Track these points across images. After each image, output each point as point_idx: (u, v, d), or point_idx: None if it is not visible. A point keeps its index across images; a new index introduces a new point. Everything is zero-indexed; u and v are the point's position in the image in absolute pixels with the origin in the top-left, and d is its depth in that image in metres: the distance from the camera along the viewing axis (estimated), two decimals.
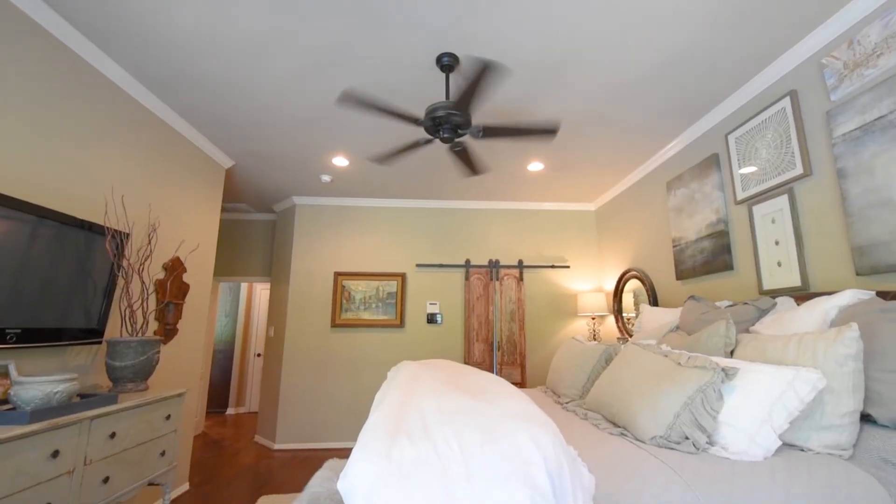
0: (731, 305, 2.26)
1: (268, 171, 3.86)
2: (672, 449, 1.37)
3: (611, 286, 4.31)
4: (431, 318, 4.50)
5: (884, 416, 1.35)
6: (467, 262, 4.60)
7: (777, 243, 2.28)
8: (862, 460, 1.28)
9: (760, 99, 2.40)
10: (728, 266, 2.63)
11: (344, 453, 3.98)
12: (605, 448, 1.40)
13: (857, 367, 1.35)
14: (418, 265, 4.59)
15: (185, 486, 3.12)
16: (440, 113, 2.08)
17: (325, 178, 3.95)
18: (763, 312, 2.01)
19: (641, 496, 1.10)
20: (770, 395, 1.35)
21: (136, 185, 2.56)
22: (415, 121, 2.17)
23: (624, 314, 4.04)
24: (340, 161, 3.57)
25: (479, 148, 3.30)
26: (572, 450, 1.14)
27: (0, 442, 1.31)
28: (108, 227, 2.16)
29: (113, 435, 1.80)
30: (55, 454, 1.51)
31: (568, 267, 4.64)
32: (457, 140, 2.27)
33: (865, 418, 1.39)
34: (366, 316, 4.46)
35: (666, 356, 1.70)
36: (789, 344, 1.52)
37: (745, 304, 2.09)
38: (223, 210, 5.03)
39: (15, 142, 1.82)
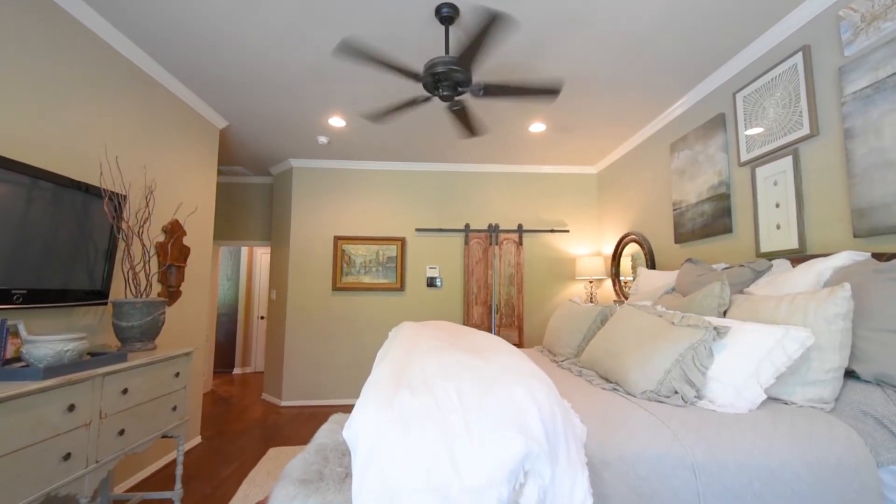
0: (727, 268, 2.28)
1: (263, 133, 3.77)
2: (661, 402, 1.43)
3: (609, 250, 4.33)
4: (431, 282, 4.56)
5: (867, 372, 1.40)
6: (467, 226, 4.60)
7: (777, 206, 2.27)
8: (843, 413, 1.34)
9: (772, 54, 2.31)
10: (727, 229, 2.63)
11: (347, 409, 4.15)
12: (597, 401, 1.46)
13: (845, 325, 1.39)
14: (418, 230, 4.58)
15: (198, 439, 3.28)
16: (440, 69, 2.00)
17: (322, 139, 3.87)
18: (758, 274, 2.03)
19: (630, 444, 1.16)
20: (759, 351, 1.40)
21: (130, 146, 2.51)
22: (414, 76, 2.10)
23: (621, 278, 4.09)
24: (337, 122, 3.48)
25: (478, 108, 3.21)
26: (566, 402, 1.19)
27: (18, 396, 1.37)
28: (104, 189, 2.14)
29: (125, 391, 1.87)
30: (71, 408, 1.58)
31: (567, 231, 4.64)
32: (456, 98, 2.21)
33: (849, 374, 1.45)
34: (366, 280, 4.51)
35: (660, 316, 1.74)
36: (781, 304, 1.55)
37: (742, 266, 2.11)
38: (220, 173, 4.96)
39: (3, 101, 1.76)
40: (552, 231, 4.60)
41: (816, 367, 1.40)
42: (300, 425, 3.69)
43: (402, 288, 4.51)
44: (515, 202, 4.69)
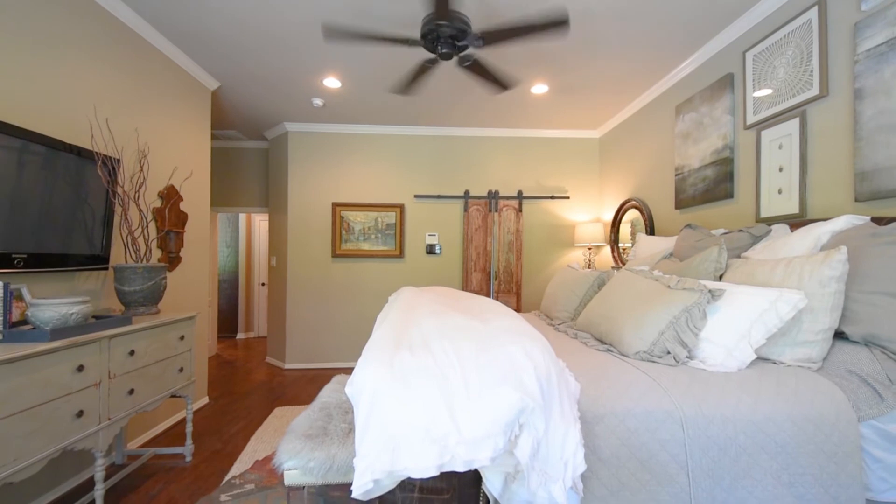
0: (726, 233, 2.29)
1: (256, 94, 3.66)
2: (653, 362, 1.48)
3: (609, 217, 4.31)
4: (430, 249, 4.57)
5: (856, 333, 1.43)
6: (466, 193, 4.55)
7: (781, 170, 2.24)
8: (829, 371, 1.39)
9: (786, 10, 2.20)
10: (728, 194, 2.61)
11: (349, 371, 4.27)
12: (591, 361, 1.50)
13: (839, 288, 1.40)
14: (417, 196, 4.54)
15: (206, 400, 3.40)
16: (426, 28, 1.91)
17: (317, 101, 3.76)
18: (757, 239, 2.04)
19: (621, 400, 1.21)
20: (752, 313, 1.42)
21: (120, 109, 2.44)
22: (406, 41, 2.01)
23: (620, 244, 4.10)
24: (332, 83, 3.37)
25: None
26: (561, 362, 1.23)
27: (27, 357, 1.40)
28: (97, 153, 2.10)
29: (132, 352, 1.92)
30: (80, 368, 1.62)
31: (567, 198, 4.61)
32: (462, 55, 2.11)
33: (838, 335, 1.48)
34: (365, 247, 4.52)
35: (656, 280, 1.76)
36: (777, 267, 1.57)
37: (741, 231, 2.11)
38: (214, 138, 4.85)
39: None
40: (552, 198, 4.57)
41: (807, 328, 1.43)
42: (304, 386, 3.81)
43: (401, 255, 4.53)
44: (516, 168, 4.62)
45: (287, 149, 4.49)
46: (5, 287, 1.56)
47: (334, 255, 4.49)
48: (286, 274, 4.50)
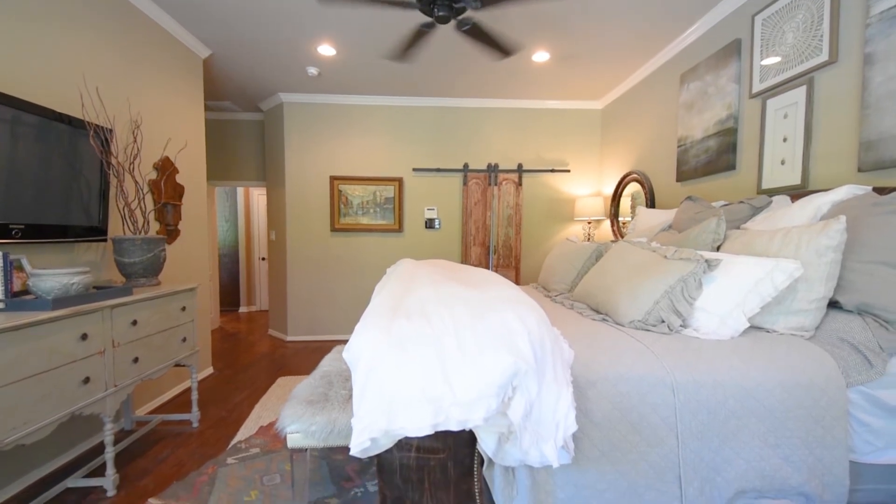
0: (726, 205, 2.27)
1: (249, 63, 3.55)
2: (647, 331, 1.50)
3: (610, 190, 4.28)
4: (429, 224, 4.56)
5: (850, 302, 1.44)
6: (465, 166, 4.50)
7: (785, 140, 2.20)
8: (821, 339, 1.40)
9: None
10: (730, 165, 2.58)
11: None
12: (586, 330, 1.52)
13: (835, 257, 1.40)
14: (415, 169, 4.49)
15: (210, 370, 3.48)
16: None
17: (312, 70, 3.66)
18: (757, 210, 2.02)
19: (614, 365, 1.23)
20: (747, 282, 1.43)
21: (110, 77, 2.38)
22: (401, 4, 1.93)
23: (620, 218, 4.08)
24: (327, 50, 3.27)
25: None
26: (556, 329, 1.24)
27: (30, 325, 1.42)
28: (88, 122, 2.06)
29: (135, 322, 1.95)
30: (84, 337, 1.65)
31: (568, 171, 4.55)
32: (460, 18, 2.04)
33: (832, 304, 1.49)
34: (364, 221, 4.51)
35: (654, 251, 1.76)
36: (775, 237, 1.56)
37: (741, 202, 2.10)
38: (208, 109, 4.75)
39: None
40: (553, 171, 4.51)
41: (802, 297, 1.44)
42: (306, 357, 3.89)
43: (400, 229, 4.52)
44: (516, 140, 4.55)
45: (283, 120, 4.41)
46: (5, 257, 1.57)
47: (333, 230, 4.48)
48: (286, 248, 4.51)
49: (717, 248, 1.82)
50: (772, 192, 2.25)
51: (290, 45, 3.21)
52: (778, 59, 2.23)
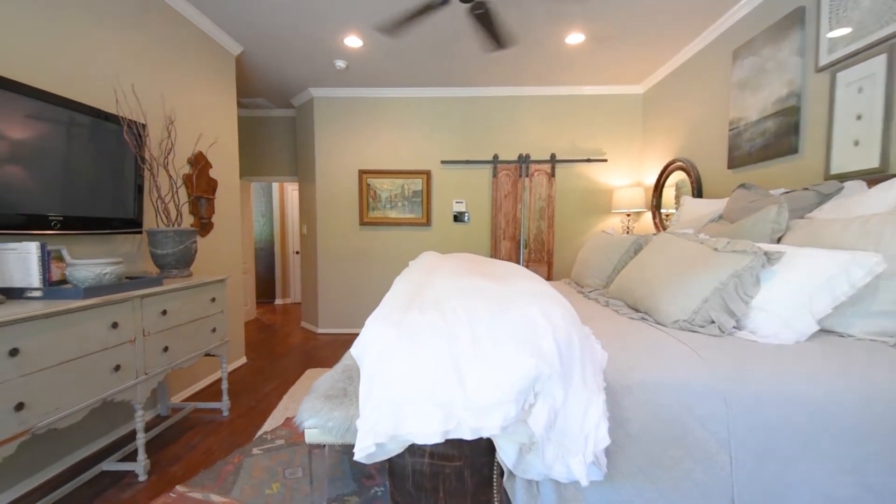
0: (787, 192, 2.02)
1: (279, 58, 3.58)
2: (694, 332, 1.33)
3: (651, 180, 4.00)
4: (458, 217, 4.46)
5: None
6: (495, 157, 4.35)
7: (859, 118, 1.92)
8: None
9: None
10: (792, 149, 2.30)
11: None
12: (622, 330, 1.38)
13: None
14: (444, 162, 4.40)
15: (243, 360, 3.57)
16: None
17: (340, 63, 3.64)
18: (825, 198, 1.78)
19: (654, 370, 1.09)
20: (816, 279, 1.24)
21: (145, 74, 2.44)
22: None
23: (663, 210, 3.81)
24: (354, 41, 3.23)
25: (510, 17, 2.84)
26: (586, 328, 1.12)
27: (63, 313, 1.46)
28: (122, 117, 2.12)
29: (164, 312, 1.99)
30: (115, 325, 1.69)
31: (605, 160, 4.31)
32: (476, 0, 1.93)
33: None
34: (392, 214, 4.48)
35: (702, 243, 1.57)
36: (849, 227, 1.35)
37: (806, 189, 1.85)
38: (242, 106, 4.87)
39: (11, 25, 1.70)
40: (588, 161, 4.28)
41: (884, 297, 1.23)
42: (335, 350, 3.91)
43: (428, 223, 4.45)
44: (549, 130, 4.35)
45: (313, 115, 4.44)
46: (42, 247, 1.62)
47: (362, 223, 4.48)
48: (316, 242, 4.56)
49: (778, 240, 1.61)
50: (843, 178, 1.98)
51: (317, 38, 3.20)
52: (849, 30, 1.95)
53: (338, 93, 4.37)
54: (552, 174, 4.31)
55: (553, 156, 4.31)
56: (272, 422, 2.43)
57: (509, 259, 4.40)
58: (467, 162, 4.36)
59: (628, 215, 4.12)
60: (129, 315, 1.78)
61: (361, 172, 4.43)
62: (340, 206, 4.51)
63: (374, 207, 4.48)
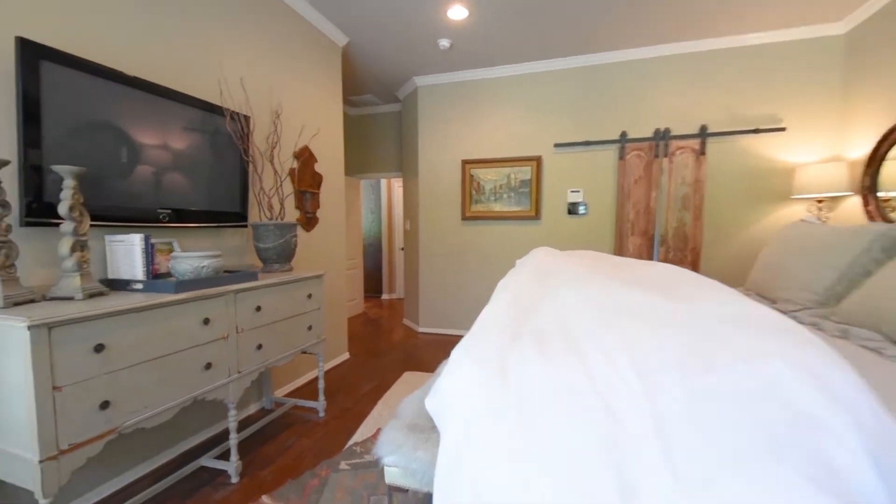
0: None
1: (384, 47, 3.46)
2: None
3: (860, 153, 2.86)
4: (573, 209, 3.85)
5: None
6: (623, 135, 3.62)
7: None
8: None
9: None
10: None
11: None
12: None
13: None
14: (557, 145, 3.83)
15: (346, 355, 3.55)
16: None
17: (444, 42, 3.35)
18: None
19: None
20: None
21: (253, 67, 2.46)
22: None
23: (880, 192, 2.67)
24: (458, 12, 2.90)
25: None
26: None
27: (150, 307, 1.40)
28: (226, 109, 2.12)
29: (259, 308, 1.91)
30: (206, 321, 1.62)
31: (783, 129, 3.24)
32: None
33: None
34: (497, 207, 4.07)
35: None
36: None
37: None
38: (352, 104, 4.98)
39: (120, 15, 1.75)
40: (756, 131, 3.27)
41: None
42: (434, 352, 3.68)
43: (537, 216, 3.93)
44: (696, 96, 3.45)
45: (417, 106, 4.27)
46: (146, 239, 1.62)
47: (464, 218, 4.17)
48: (418, 238, 4.41)
49: None
50: None
51: (421, 17, 2.95)
52: None
53: (441, 79, 4.12)
54: (701, 151, 3.41)
55: (703, 128, 3.40)
56: (364, 430, 2.24)
57: (640, 258, 3.63)
58: (586, 143, 3.72)
59: (819, 202, 3.02)
60: (223, 310, 1.71)
61: (464, 163, 4.12)
62: (442, 200, 4.27)
63: (476, 200, 4.13)
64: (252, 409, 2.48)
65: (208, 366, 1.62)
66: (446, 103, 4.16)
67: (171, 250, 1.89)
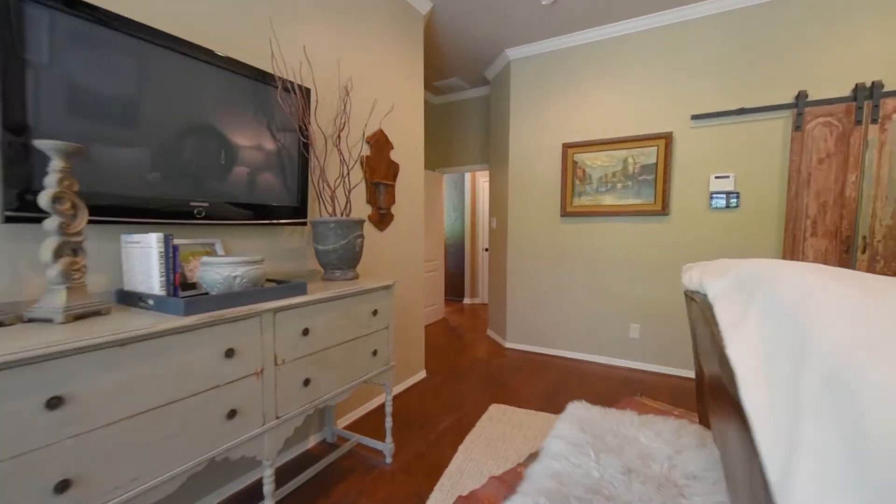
0: None
1: (474, 7, 2.88)
2: None
3: None
4: (718, 200, 2.89)
5: None
6: (801, 96, 2.58)
7: None
8: None
9: None
10: None
11: (580, 366, 3.24)
12: None
13: None
14: (695, 117, 2.90)
15: (422, 374, 3.06)
16: None
17: None
18: None
19: None
20: None
21: (315, 34, 2.05)
22: None
23: None
24: None
25: None
26: None
27: (141, 339, 0.98)
28: (277, 77, 1.71)
29: (306, 332, 1.45)
30: (230, 353, 1.18)
31: None
32: None
33: None
34: (608, 200, 3.26)
35: None
36: None
37: None
38: (437, 91, 4.51)
39: None
40: None
41: None
42: (526, 379, 3.02)
43: (664, 210, 3.04)
44: None
45: (509, 84, 3.63)
46: (166, 239, 1.24)
47: (564, 214, 3.42)
48: (506, 238, 3.77)
49: None
50: None
51: None
52: None
53: (538, 48, 3.42)
54: None
55: None
56: (440, 493, 1.69)
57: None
58: (740, 112, 2.74)
59: None
60: (255, 337, 1.27)
61: (566, 147, 3.37)
62: (536, 193, 3.57)
63: (581, 192, 3.36)
64: (311, 441, 2.09)
65: (232, 413, 1.19)
66: (544, 76, 3.46)
67: (210, 254, 1.52)
